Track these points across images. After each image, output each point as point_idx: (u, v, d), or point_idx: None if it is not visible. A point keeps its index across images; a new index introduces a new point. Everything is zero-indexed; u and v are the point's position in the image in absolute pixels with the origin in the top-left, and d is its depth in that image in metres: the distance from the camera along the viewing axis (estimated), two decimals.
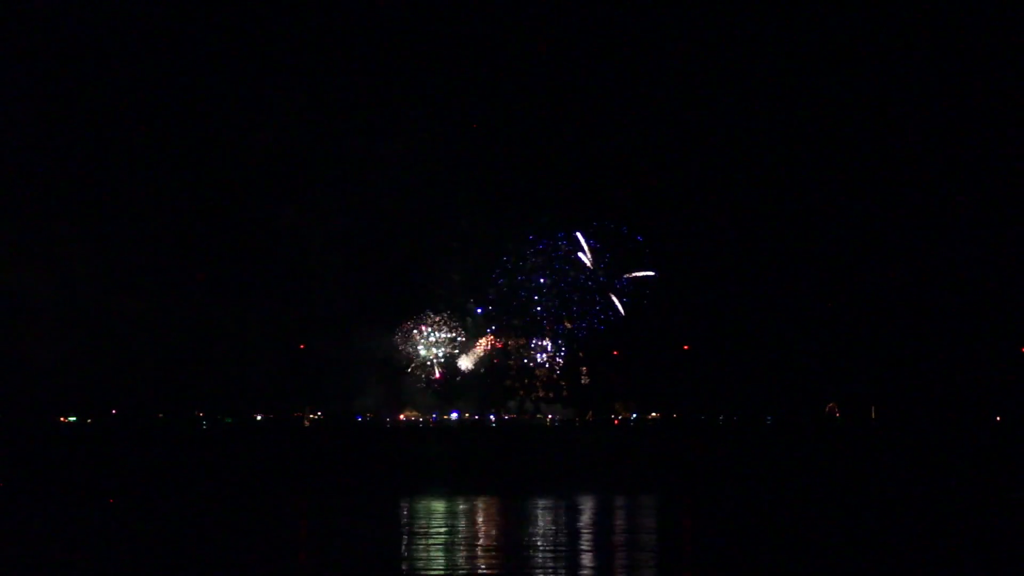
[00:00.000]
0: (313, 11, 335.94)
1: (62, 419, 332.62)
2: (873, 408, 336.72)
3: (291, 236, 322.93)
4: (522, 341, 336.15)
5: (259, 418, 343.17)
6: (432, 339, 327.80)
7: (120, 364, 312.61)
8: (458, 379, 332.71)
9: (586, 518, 65.67)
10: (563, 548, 51.99)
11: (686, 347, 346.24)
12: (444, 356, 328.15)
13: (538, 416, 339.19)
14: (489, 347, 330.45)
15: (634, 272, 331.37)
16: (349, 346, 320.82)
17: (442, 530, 61.34)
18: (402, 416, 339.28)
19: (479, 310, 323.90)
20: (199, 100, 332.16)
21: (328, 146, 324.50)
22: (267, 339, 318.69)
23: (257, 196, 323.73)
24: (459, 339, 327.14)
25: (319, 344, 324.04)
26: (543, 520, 64.14)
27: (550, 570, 44.92)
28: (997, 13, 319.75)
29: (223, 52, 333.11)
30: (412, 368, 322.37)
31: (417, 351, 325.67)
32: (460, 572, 44.15)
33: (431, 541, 56.41)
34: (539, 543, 52.73)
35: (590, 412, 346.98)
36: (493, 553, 50.73)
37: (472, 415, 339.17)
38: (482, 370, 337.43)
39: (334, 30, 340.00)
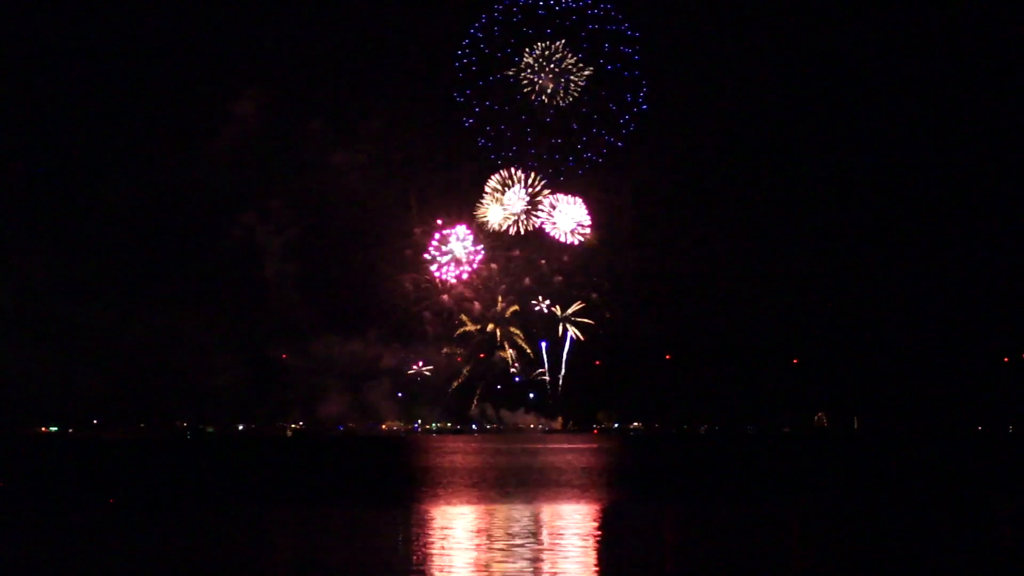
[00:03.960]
0: (268, 23, 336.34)
1: (43, 429, 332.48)
2: (856, 418, 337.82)
3: (249, 245, 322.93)
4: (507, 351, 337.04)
5: (241, 428, 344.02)
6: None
7: (95, 375, 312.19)
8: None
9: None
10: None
11: (668, 356, 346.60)
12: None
13: (532, 426, 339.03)
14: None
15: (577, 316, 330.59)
16: (309, 355, 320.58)
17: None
18: (384, 427, 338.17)
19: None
20: (158, 111, 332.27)
21: (282, 155, 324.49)
22: (230, 349, 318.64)
23: (215, 206, 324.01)
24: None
25: (278, 353, 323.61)
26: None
27: None
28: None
29: (181, 64, 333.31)
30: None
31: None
32: None
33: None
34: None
35: (571, 421, 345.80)
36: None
37: (455, 424, 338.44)
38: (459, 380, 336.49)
39: (287, 41, 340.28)
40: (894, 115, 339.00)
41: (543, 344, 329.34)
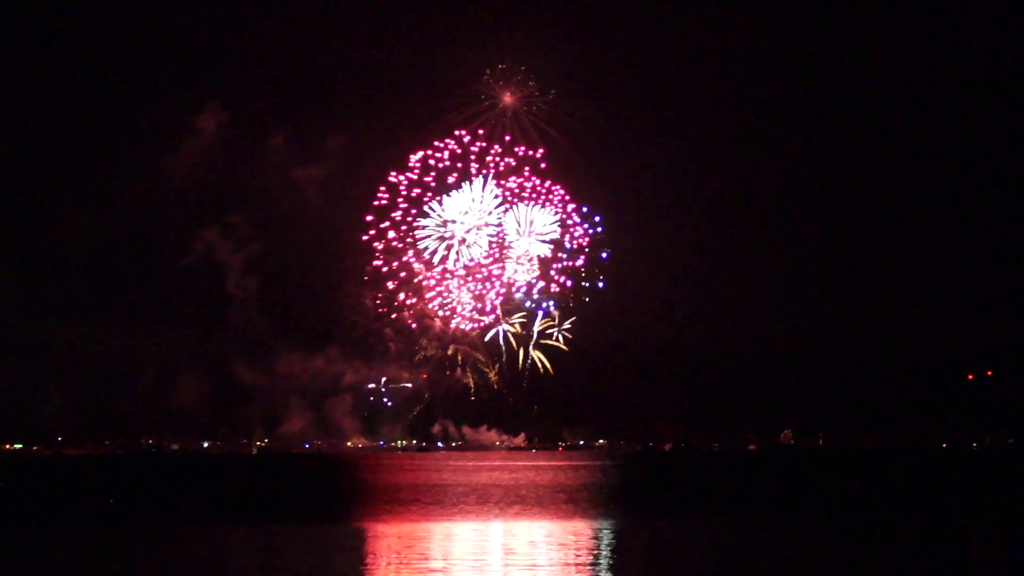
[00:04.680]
0: (228, 38, 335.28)
1: (8, 446, 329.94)
2: (821, 436, 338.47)
3: (210, 261, 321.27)
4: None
5: (206, 445, 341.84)
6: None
7: (58, 392, 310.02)
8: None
9: None
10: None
11: (634, 374, 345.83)
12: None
13: (501, 443, 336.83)
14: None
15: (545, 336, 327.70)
16: (271, 372, 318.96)
17: None
18: (349, 444, 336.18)
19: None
20: (119, 128, 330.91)
21: (244, 172, 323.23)
22: (192, 366, 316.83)
23: (177, 222, 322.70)
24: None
25: (241, 370, 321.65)
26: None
27: None
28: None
29: (142, 80, 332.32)
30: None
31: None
32: None
33: None
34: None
35: (536, 438, 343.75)
36: None
37: (420, 441, 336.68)
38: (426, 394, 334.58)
39: (246, 57, 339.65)
40: (859, 137, 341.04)
41: (500, 331, 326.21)
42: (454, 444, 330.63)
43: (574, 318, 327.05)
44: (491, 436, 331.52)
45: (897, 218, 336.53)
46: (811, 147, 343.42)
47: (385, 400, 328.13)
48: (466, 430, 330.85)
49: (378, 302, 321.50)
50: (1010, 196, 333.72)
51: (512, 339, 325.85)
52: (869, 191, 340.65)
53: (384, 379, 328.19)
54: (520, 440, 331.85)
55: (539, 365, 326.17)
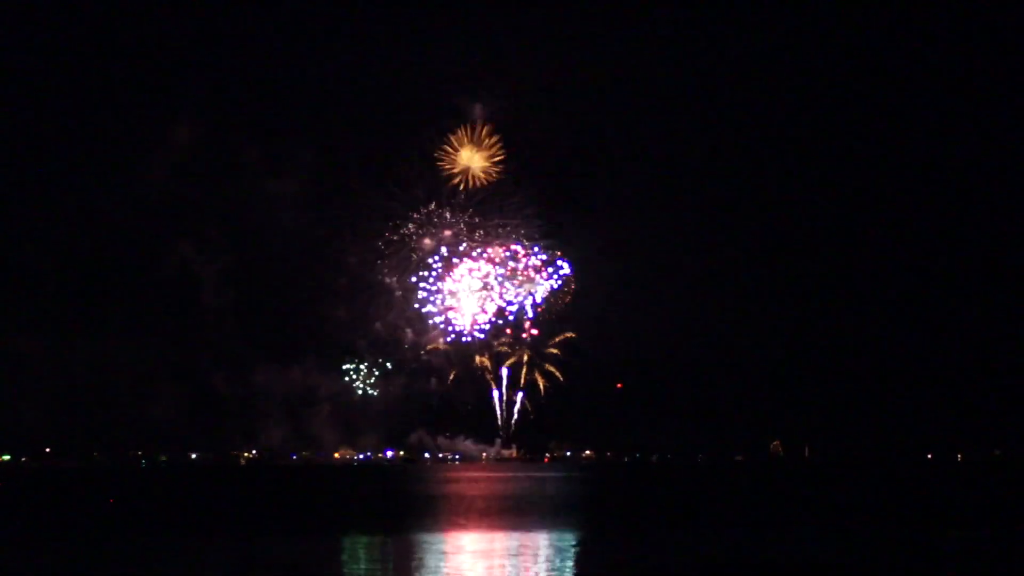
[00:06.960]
0: (201, 50, 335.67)
1: None
2: (807, 447, 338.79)
3: (185, 274, 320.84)
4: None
5: (194, 456, 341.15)
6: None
7: (39, 404, 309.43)
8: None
9: None
10: None
11: (619, 385, 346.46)
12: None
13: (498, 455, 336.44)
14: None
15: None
16: (248, 382, 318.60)
17: None
18: (337, 455, 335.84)
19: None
20: (91, 137, 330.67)
21: (218, 184, 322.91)
22: (170, 378, 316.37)
23: (151, 234, 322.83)
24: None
25: (218, 381, 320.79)
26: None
27: None
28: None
29: (115, 90, 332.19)
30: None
31: None
32: None
33: None
34: None
35: (519, 450, 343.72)
36: None
37: (408, 454, 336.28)
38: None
39: (220, 69, 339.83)
40: (841, 147, 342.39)
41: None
42: (440, 456, 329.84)
43: (556, 343, 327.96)
44: (468, 446, 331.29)
45: (880, 229, 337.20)
46: (793, 162, 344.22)
47: (362, 410, 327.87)
48: (441, 441, 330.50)
49: (345, 313, 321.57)
50: (996, 208, 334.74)
51: (487, 375, 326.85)
52: (849, 201, 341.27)
53: (360, 388, 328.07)
54: (498, 450, 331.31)
55: (520, 404, 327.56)
